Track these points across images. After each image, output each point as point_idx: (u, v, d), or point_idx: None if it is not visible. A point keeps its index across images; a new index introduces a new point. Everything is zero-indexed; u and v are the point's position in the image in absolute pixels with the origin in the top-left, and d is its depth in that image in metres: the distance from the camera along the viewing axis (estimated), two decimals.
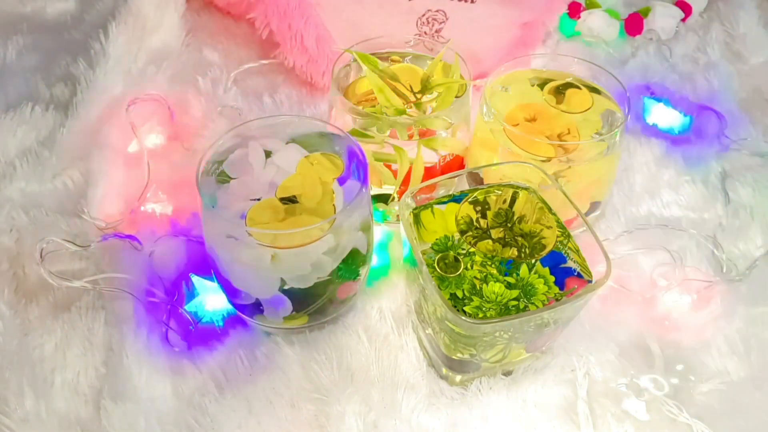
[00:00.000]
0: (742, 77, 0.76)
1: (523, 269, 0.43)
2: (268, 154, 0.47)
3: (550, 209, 0.47)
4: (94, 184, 0.58)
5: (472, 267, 0.44)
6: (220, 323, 0.51)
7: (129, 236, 0.55)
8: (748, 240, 0.58)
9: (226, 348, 0.50)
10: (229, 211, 0.44)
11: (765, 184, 0.63)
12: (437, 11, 0.66)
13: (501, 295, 0.42)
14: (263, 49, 0.72)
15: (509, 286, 0.43)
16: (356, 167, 0.47)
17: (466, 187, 0.51)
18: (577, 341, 0.50)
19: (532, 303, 0.42)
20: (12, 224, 0.56)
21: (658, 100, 0.69)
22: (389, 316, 0.52)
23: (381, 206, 0.57)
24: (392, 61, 0.58)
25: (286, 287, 0.45)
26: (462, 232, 0.46)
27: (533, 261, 0.44)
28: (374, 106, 0.54)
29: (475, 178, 0.53)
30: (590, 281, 0.44)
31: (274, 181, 0.46)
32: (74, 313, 0.51)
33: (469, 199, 0.48)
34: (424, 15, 0.66)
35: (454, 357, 0.45)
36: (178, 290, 0.52)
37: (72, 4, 0.81)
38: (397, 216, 0.57)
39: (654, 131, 0.68)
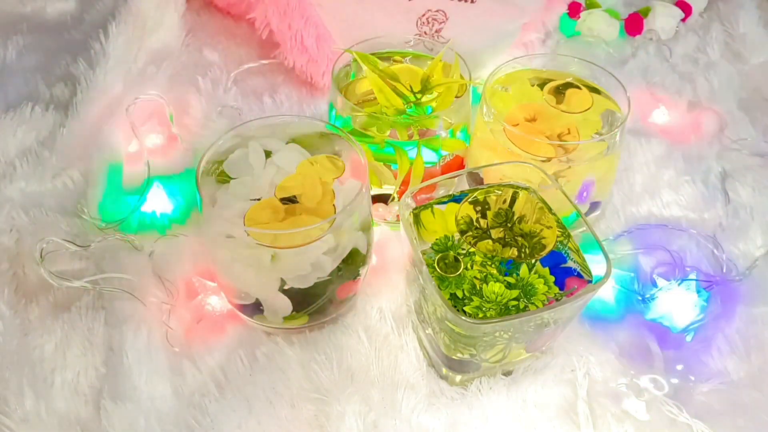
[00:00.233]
0: (742, 77, 0.76)
1: (523, 269, 0.43)
2: (268, 154, 0.47)
3: (550, 209, 0.47)
4: (94, 184, 0.59)
5: (472, 267, 0.44)
6: (220, 323, 0.51)
7: (129, 236, 0.55)
8: (748, 240, 0.58)
9: (226, 348, 0.50)
10: (229, 211, 0.44)
11: (765, 184, 0.63)
12: (437, 11, 0.66)
13: (501, 295, 0.42)
14: (263, 49, 0.72)
15: (509, 286, 0.43)
16: (356, 167, 0.47)
17: (466, 187, 0.51)
18: (577, 341, 0.50)
19: (532, 303, 0.42)
20: (12, 224, 0.56)
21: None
22: (389, 316, 0.52)
23: (381, 206, 0.57)
24: (394, 61, 0.58)
25: (286, 287, 0.45)
26: (462, 232, 0.46)
27: (533, 261, 0.44)
28: (374, 106, 0.54)
29: (475, 178, 0.53)
30: (590, 281, 0.44)
31: (274, 181, 0.46)
32: (74, 313, 0.51)
33: (469, 199, 0.48)
34: (424, 15, 0.66)
35: (454, 357, 0.45)
36: (178, 290, 0.52)
37: (72, 4, 0.81)
38: (397, 216, 0.57)
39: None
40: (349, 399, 0.46)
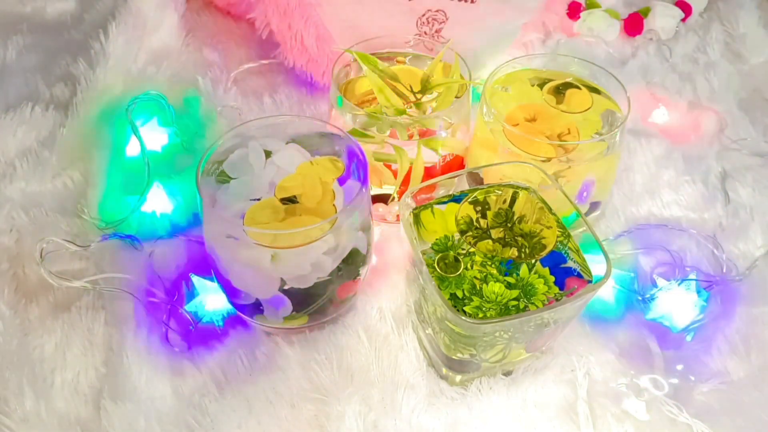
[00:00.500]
0: (742, 77, 0.76)
1: (523, 269, 0.43)
2: (268, 154, 0.47)
3: (550, 209, 0.47)
4: (94, 184, 0.59)
5: (472, 267, 0.44)
6: (220, 323, 0.51)
7: (129, 236, 0.55)
8: (748, 240, 0.58)
9: (226, 348, 0.50)
10: (229, 211, 0.44)
11: (765, 184, 0.63)
12: (437, 11, 0.66)
13: (501, 295, 0.42)
14: (263, 49, 0.72)
15: (509, 286, 0.43)
16: (356, 167, 0.47)
17: (466, 187, 0.51)
18: (577, 341, 0.50)
19: (532, 303, 0.42)
20: (12, 224, 0.56)
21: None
22: (389, 316, 0.52)
23: (381, 206, 0.57)
24: (398, 62, 0.58)
25: (286, 287, 0.45)
26: (462, 232, 0.46)
27: (533, 261, 0.44)
28: (374, 106, 0.54)
29: (475, 178, 0.53)
30: (590, 281, 0.44)
31: (274, 181, 0.46)
32: (74, 313, 0.51)
33: (469, 199, 0.48)
34: (424, 15, 0.66)
35: (454, 357, 0.45)
36: (178, 290, 0.52)
37: (72, 4, 0.81)
38: (397, 216, 0.57)
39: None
40: (349, 399, 0.46)
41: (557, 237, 0.45)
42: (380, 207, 0.57)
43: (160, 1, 0.70)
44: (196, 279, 0.52)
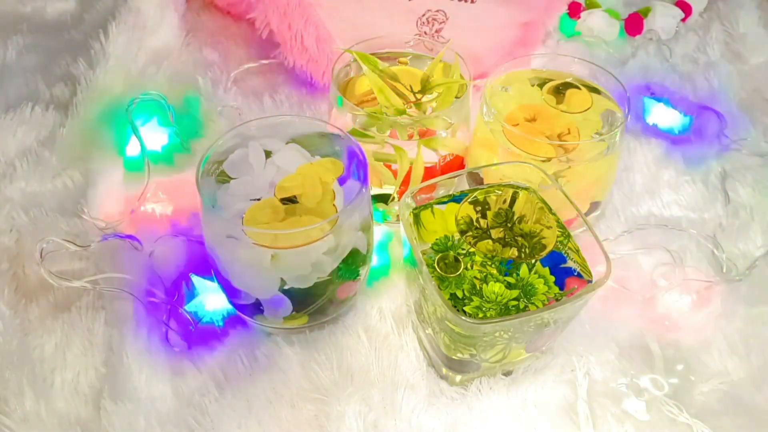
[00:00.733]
0: (742, 77, 0.76)
1: (523, 269, 0.43)
2: (268, 154, 0.47)
3: (550, 209, 0.47)
4: (94, 184, 0.59)
5: (472, 267, 0.44)
6: (220, 323, 0.51)
7: (129, 236, 0.55)
8: (748, 240, 0.58)
9: (226, 348, 0.50)
10: (229, 211, 0.44)
11: (765, 184, 0.63)
12: (437, 11, 0.66)
13: (501, 295, 0.42)
14: (263, 49, 0.72)
15: (509, 286, 0.43)
16: (356, 167, 0.47)
17: (466, 187, 0.51)
18: (577, 341, 0.50)
19: (532, 303, 0.42)
20: (12, 224, 0.56)
21: (659, 100, 0.68)
22: (389, 316, 0.52)
23: (381, 206, 0.57)
24: (400, 62, 0.58)
25: (286, 287, 0.45)
26: (462, 232, 0.46)
27: (533, 261, 0.44)
28: (374, 106, 0.54)
29: (475, 178, 0.53)
30: (590, 281, 0.44)
31: (274, 181, 0.46)
32: (74, 313, 0.51)
33: (469, 199, 0.48)
34: (424, 15, 0.66)
35: (454, 357, 0.45)
36: (178, 290, 0.52)
37: (72, 4, 0.81)
38: (397, 216, 0.57)
39: (654, 131, 0.68)
40: (349, 399, 0.46)
41: (557, 237, 0.45)
42: (380, 207, 0.57)
43: (160, 1, 0.70)
44: (196, 279, 0.52)
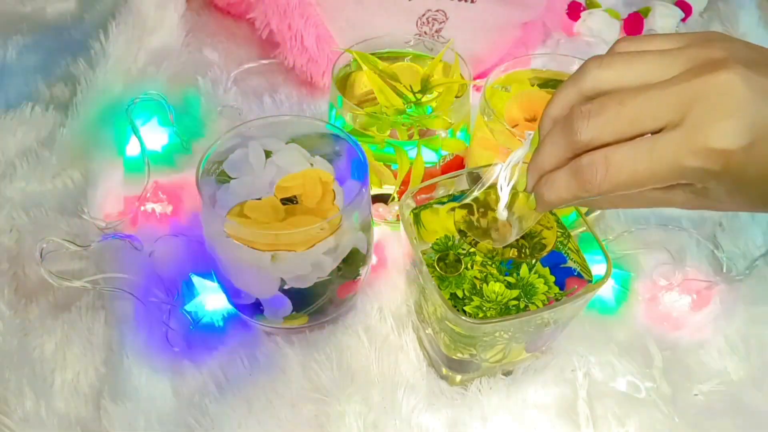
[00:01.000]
0: None
1: (523, 269, 0.43)
2: (268, 154, 0.47)
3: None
4: (94, 184, 0.59)
5: (472, 267, 0.44)
6: (220, 323, 0.51)
7: (129, 236, 0.55)
8: (748, 240, 0.58)
9: (226, 348, 0.50)
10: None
11: None
12: (437, 11, 0.66)
13: (501, 295, 0.42)
14: (263, 49, 0.72)
15: (509, 285, 0.43)
16: (356, 167, 0.47)
17: (466, 187, 0.51)
18: (577, 341, 0.50)
19: (532, 303, 0.42)
20: (12, 224, 0.56)
21: None
22: (389, 316, 0.52)
23: (381, 206, 0.57)
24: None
25: (286, 287, 0.45)
26: (461, 233, 0.46)
27: (533, 261, 0.44)
28: (374, 106, 0.54)
29: (475, 179, 0.53)
30: (590, 281, 0.44)
31: (274, 181, 0.46)
32: (74, 313, 0.51)
33: (469, 199, 0.48)
34: (424, 15, 0.66)
35: (454, 357, 0.45)
36: (178, 290, 0.52)
37: (72, 4, 0.81)
38: (397, 216, 0.57)
39: None
40: (349, 399, 0.46)
41: (557, 237, 0.45)
42: (380, 207, 0.57)
43: (160, 1, 0.70)
44: (196, 279, 0.52)
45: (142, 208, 0.57)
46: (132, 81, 0.65)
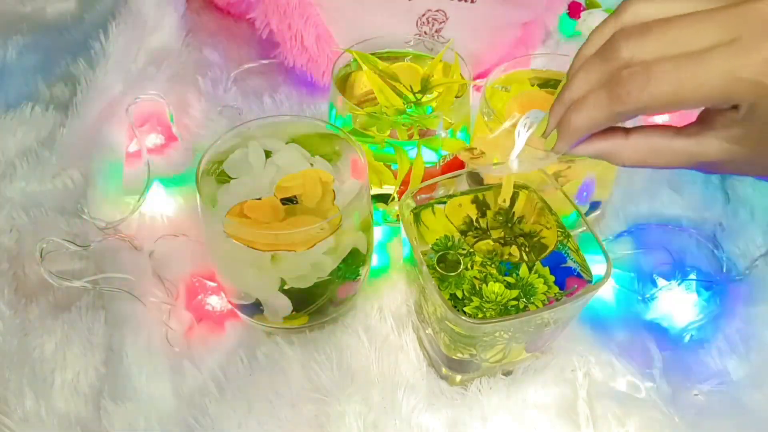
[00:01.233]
0: None
1: (523, 269, 0.43)
2: (268, 154, 0.47)
3: (550, 209, 0.47)
4: (94, 184, 0.59)
5: (472, 267, 0.44)
6: (220, 323, 0.51)
7: (129, 236, 0.55)
8: (748, 240, 0.58)
9: (226, 348, 0.50)
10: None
11: (765, 184, 0.63)
12: (437, 11, 0.66)
13: (501, 295, 0.42)
14: (263, 49, 0.72)
15: (509, 286, 0.43)
16: (356, 167, 0.47)
17: (466, 187, 0.51)
18: (577, 341, 0.50)
19: (532, 303, 0.42)
20: (12, 224, 0.56)
21: None
22: (389, 316, 0.52)
23: (381, 206, 0.57)
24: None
25: (286, 287, 0.45)
26: (462, 233, 0.46)
27: (533, 261, 0.44)
28: (374, 106, 0.54)
29: (475, 178, 0.53)
30: (590, 281, 0.44)
31: (274, 181, 0.46)
32: (74, 313, 0.51)
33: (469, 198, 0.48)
34: (424, 15, 0.66)
35: (454, 357, 0.45)
36: (178, 290, 0.52)
37: (72, 4, 0.81)
38: (397, 216, 0.57)
39: None
40: (349, 399, 0.46)
41: (557, 237, 0.45)
42: (380, 207, 0.57)
43: (160, 1, 0.70)
44: (196, 279, 0.52)
45: (142, 208, 0.57)
46: (132, 81, 0.65)
